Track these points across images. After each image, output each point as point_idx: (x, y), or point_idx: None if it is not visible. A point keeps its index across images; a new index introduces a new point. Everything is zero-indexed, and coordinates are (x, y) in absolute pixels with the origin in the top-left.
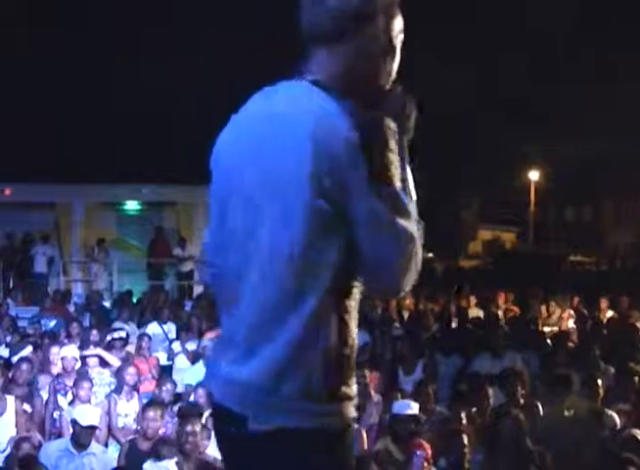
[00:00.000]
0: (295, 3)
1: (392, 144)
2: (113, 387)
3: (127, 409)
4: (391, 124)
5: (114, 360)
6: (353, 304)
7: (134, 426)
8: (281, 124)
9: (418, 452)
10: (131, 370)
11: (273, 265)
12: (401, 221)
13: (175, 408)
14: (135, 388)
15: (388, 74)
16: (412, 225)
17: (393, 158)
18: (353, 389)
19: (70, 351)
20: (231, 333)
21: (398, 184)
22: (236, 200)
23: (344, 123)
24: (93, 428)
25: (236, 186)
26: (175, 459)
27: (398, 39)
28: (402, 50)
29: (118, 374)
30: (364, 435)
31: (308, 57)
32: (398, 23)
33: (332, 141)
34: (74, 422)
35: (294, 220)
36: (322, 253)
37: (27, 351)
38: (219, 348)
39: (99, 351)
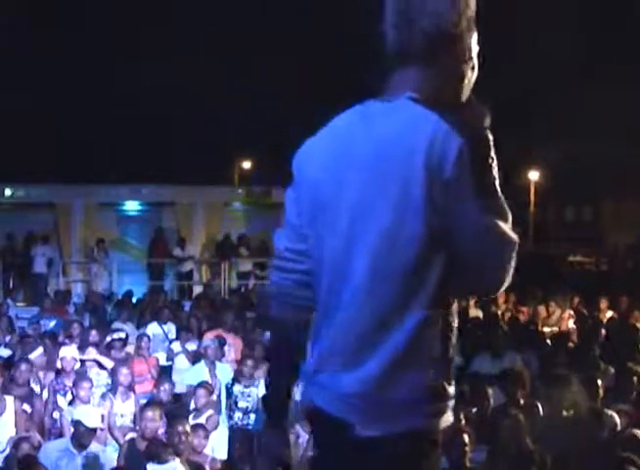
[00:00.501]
0: (295, 3)
1: (493, 153)
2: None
3: (123, 410)
4: (490, 135)
5: (110, 364)
6: (453, 310)
7: (131, 426)
8: (392, 144)
9: None
10: (125, 371)
11: (380, 280)
12: (506, 229)
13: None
14: (131, 388)
15: (470, 87)
16: (512, 231)
17: (495, 167)
18: (452, 389)
19: (70, 351)
20: (333, 342)
21: (500, 192)
22: (334, 214)
23: (455, 141)
24: (96, 429)
25: (335, 200)
26: (178, 459)
27: (475, 52)
28: None
29: (112, 375)
30: None
31: (393, 73)
32: (475, 37)
33: (444, 159)
34: (78, 423)
35: (403, 237)
36: (429, 268)
37: (38, 352)
38: (320, 356)
39: (94, 355)
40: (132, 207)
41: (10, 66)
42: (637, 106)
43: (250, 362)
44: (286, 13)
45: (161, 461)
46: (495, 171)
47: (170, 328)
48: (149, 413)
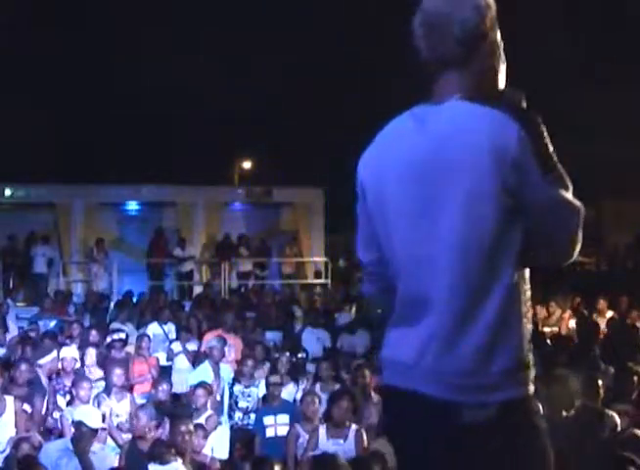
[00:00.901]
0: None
1: (546, 131)
2: None
3: (119, 410)
4: (537, 115)
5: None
6: (527, 283)
7: (127, 425)
8: (454, 141)
9: None
10: (117, 371)
11: (466, 259)
12: (571, 197)
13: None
14: (125, 388)
15: (503, 77)
16: (576, 199)
17: (550, 142)
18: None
19: (70, 352)
20: (431, 328)
21: (559, 165)
22: (403, 213)
23: (513, 126)
24: (98, 430)
25: (402, 200)
26: (180, 460)
27: (501, 45)
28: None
29: (105, 376)
30: (364, 435)
31: (435, 79)
32: (499, 32)
33: (508, 144)
34: (80, 424)
35: (480, 223)
36: (508, 246)
37: (52, 356)
38: (421, 344)
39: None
40: (132, 207)
41: (10, 66)
42: (637, 106)
43: (250, 362)
44: (286, 13)
45: (164, 462)
46: (551, 146)
47: (170, 328)
48: (140, 413)
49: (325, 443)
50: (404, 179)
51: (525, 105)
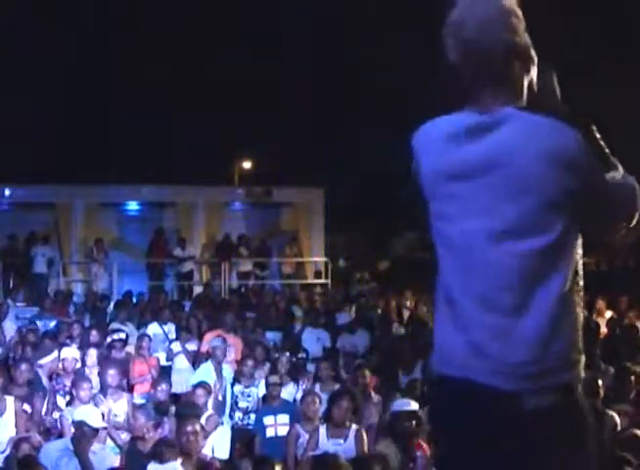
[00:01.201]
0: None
1: (595, 128)
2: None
3: (116, 409)
4: (589, 118)
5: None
6: (580, 272)
7: (125, 425)
8: (517, 148)
9: (419, 453)
10: (112, 372)
11: (525, 256)
12: (629, 180)
13: (173, 409)
14: (122, 388)
15: (535, 73)
16: (629, 177)
17: (604, 143)
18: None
19: (71, 352)
20: (483, 319)
21: (611, 154)
22: (467, 210)
23: (571, 132)
24: (99, 429)
25: (461, 201)
26: (179, 460)
27: (531, 46)
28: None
29: (100, 376)
30: (364, 435)
31: (478, 92)
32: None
33: (568, 150)
34: (81, 423)
35: (545, 224)
36: (569, 241)
37: (53, 356)
38: (475, 334)
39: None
40: (132, 207)
41: (10, 65)
42: (637, 106)
43: (250, 362)
44: (287, 12)
45: (163, 461)
46: (605, 145)
47: (170, 328)
48: (138, 413)
49: (325, 443)
50: (463, 180)
51: (555, 80)
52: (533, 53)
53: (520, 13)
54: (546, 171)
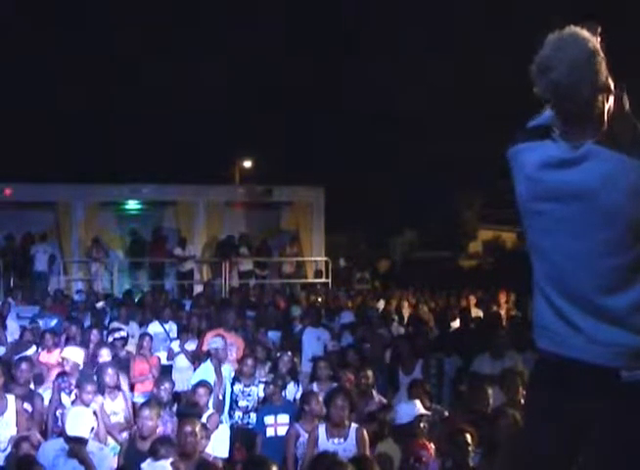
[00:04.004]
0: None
1: None
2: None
3: (114, 407)
4: None
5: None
6: None
7: (124, 423)
8: (601, 180)
9: (424, 453)
10: (110, 371)
11: (612, 273)
12: None
13: (174, 408)
14: (118, 387)
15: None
16: None
17: None
18: None
19: (73, 351)
20: (583, 300)
21: None
22: (565, 227)
23: None
24: (91, 428)
25: (556, 217)
26: (171, 459)
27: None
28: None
29: (97, 375)
30: (365, 434)
31: (567, 126)
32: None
33: None
34: (66, 431)
35: (627, 245)
36: None
37: (31, 351)
38: (571, 313)
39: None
40: (132, 206)
41: (10, 66)
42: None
43: (250, 362)
44: (286, 11)
45: (157, 458)
46: None
47: (172, 327)
48: (145, 412)
49: (325, 442)
50: (553, 201)
51: (599, 33)
52: (612, 83)
53: (602, 51)
54: (631, 204)
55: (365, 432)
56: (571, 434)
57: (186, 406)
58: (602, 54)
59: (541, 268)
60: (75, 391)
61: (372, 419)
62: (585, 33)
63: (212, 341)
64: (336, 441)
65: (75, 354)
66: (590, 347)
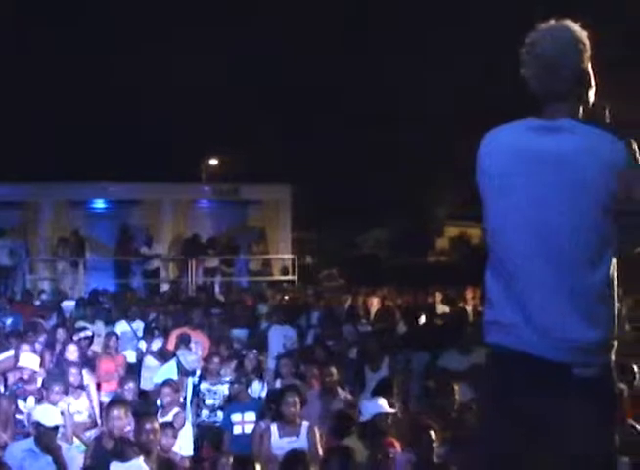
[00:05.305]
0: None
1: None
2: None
3: (78, 407)
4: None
5: None
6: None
7: (88, 422)
8: (580, 151)
9: (392, 451)
10: (73, 371)
11: (574, 249)
12: None
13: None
14: (82, 386)
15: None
16: None
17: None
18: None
19: (29, 359)
20: (546, 298)
21: None
22: (518, 201)
23: (622, 147)
24: (57, 428)
25: (522, 189)
26: (141, 458)
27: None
28: None
29: (62, 374)
30: (316, 431)
31: (543, 106)
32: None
33: (618, 161)
34: (39, 424)
35: (594, 219)
36: (610, 237)
37: (9, 354)
38: (532, 309)
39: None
40: (99, 204)
41: None
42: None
43: (216, 360)
44: (259, 14)
45: (125, 459)
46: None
47: (139, 326)
48: (115, 412)
49: (278, 440)
50: (527, 175)
51: (607, 111)
52: (593, 82)
53: (588, 44)
54: (603, 179)
55: (317, 429)
56: (525, 430)
57: (142, 405)
58: (589, 49)
59: (500, 253)
60: (36, 394)
61: (337, 417)
62: (577, 27)
63: (191, 361)
64: (288, 439)
65: (31, 362)
66: (542, 341)
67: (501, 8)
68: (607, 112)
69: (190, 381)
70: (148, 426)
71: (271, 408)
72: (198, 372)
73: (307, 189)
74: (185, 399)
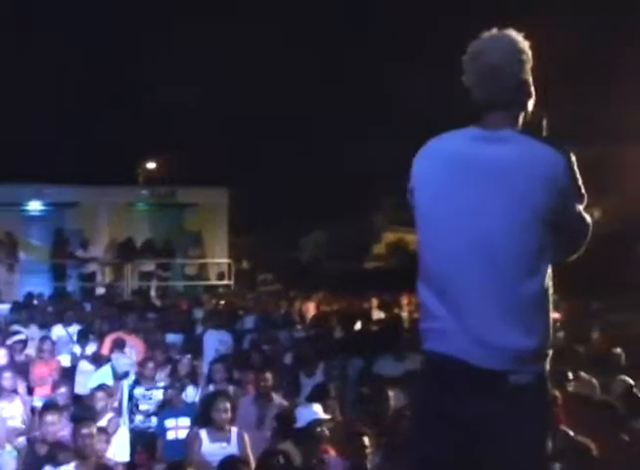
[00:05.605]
0: None
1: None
2: None
3: (11, 412)
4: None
5: None
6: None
7: (22, 427)
8: (518, 163)
9: (326, 456)
10: (6, 374)
11: (511, 258)
12: (587, 215)
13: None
14: (15, 391)
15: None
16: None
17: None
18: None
19: None
20: (482, 307)
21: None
22: (456, 212)
23: (562, 160)
24: None
25: (460, 201)
26: (73, 464)
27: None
28: None
29: None
30: (246, 436)
31: (483, 114)
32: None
33: (558, 174)
34: None
35: (531, 229)
36: (546, 247)
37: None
38: (467, 319)
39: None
40: (35, 207)
41: None
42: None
43: (150, 365)
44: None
45: (57, 464)
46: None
47: (75, 330)
48: (48, 417)
49: (209, 446)
50: (465, 187)
51: (545, 121)
52: (533, 92)
53: (530, 55)
54: (542, 190)
55: (246, 435)
56: (460, 437)
57: (80, 410)
58: (531, 60)
59: (434, 263)
60: None
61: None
62: (520, 37)
63: (124, 364)
64: (219, 445)
65: None
66: (479, 349)
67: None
68: (544, 122)
69: (126, 385)
70: (85, 431)
71: (203, 414)
72: (132, 377)
73: (245, 193)
74: (121, 403)
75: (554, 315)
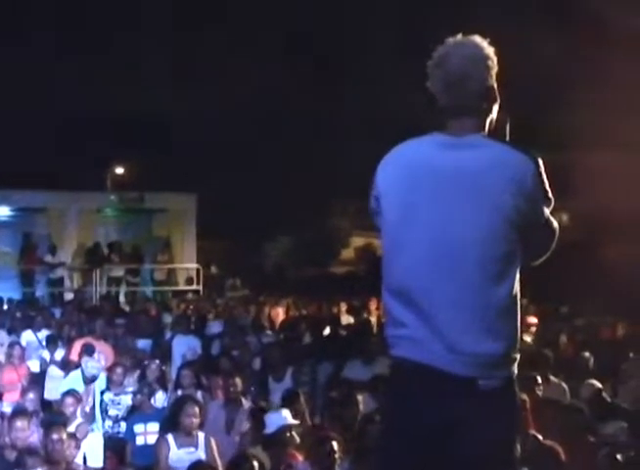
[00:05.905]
0: None
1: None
2: None
3: None
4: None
5: None
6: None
7: None
8: (486, 168)
9: (294, 462)
10: None
11: (480, 264)
12: (554, 220)
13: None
14: None
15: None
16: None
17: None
18: None
19: None
20: (449, 313)
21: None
22: (423, 222)
23: (530, 165)
24: None
25: (428, 207)
26: (45, 468)
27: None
28: None
29: None
30: (213, 441)
31: (450, 120)
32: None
33: (526, 179)
34: None
35: (500, 234)
36: (515, 251)
37: None
38: (436, 325)
39: None
40: (3, 212)
41: None
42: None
43: (119, 370)
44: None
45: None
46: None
47: (44, 335)
48: (18, 423)
49: (177, 451)
50: (431, 193)
51: (507, 127)
52: (498, 96)
53: (495, 60)
54: (510, 196)
55: (213, 440)
56: (431, 443)
57: (50, 415)
58: (495, 65)
59: (400, 270)
60: None
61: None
62: (485, 43)
63: (92, 367)
64: (186, 450)
65: None
66: (449, 356)
67: None
68: (507, 126)
69: (98, 389)
70: (55, 436)
71: (171, 419)
72: (103, 381)
73: (213, 198)
74: (93, 408)
75: (531, 320)
